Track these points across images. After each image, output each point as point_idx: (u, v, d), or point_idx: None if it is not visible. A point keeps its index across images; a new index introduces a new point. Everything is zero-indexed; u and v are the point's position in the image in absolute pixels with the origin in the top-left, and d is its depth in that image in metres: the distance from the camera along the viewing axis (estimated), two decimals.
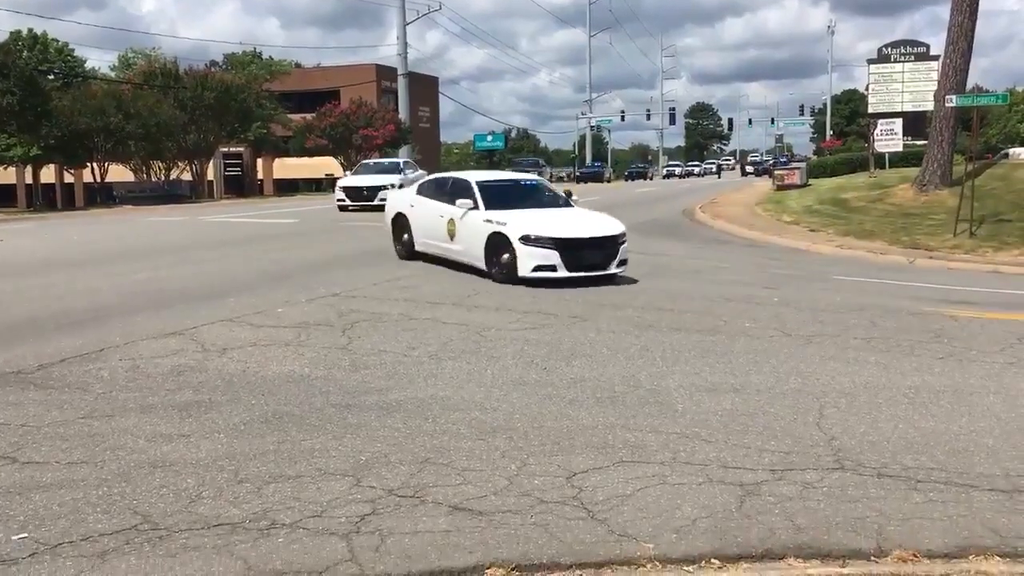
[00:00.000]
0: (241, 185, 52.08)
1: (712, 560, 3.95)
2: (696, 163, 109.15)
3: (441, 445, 5.33)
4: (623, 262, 11.95)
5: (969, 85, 27.69)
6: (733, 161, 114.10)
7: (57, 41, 58.43)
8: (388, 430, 5.60)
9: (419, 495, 4.57)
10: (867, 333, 8.70)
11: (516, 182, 14.22)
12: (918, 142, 36.47)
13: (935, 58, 32.29)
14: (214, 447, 5.26)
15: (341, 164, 55.70)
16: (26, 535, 4.07)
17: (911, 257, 15.71)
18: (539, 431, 5.60)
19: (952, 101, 20.01)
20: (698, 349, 7.94)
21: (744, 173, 79.27)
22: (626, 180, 75.76)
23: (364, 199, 26.23)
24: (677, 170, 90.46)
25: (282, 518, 4.28)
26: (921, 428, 5.74)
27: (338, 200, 27.27)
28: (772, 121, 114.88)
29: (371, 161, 33.74)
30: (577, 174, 72.27)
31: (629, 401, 6.30)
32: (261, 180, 61.82)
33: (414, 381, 6.78)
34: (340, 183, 28.43)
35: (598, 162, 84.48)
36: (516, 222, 11.64)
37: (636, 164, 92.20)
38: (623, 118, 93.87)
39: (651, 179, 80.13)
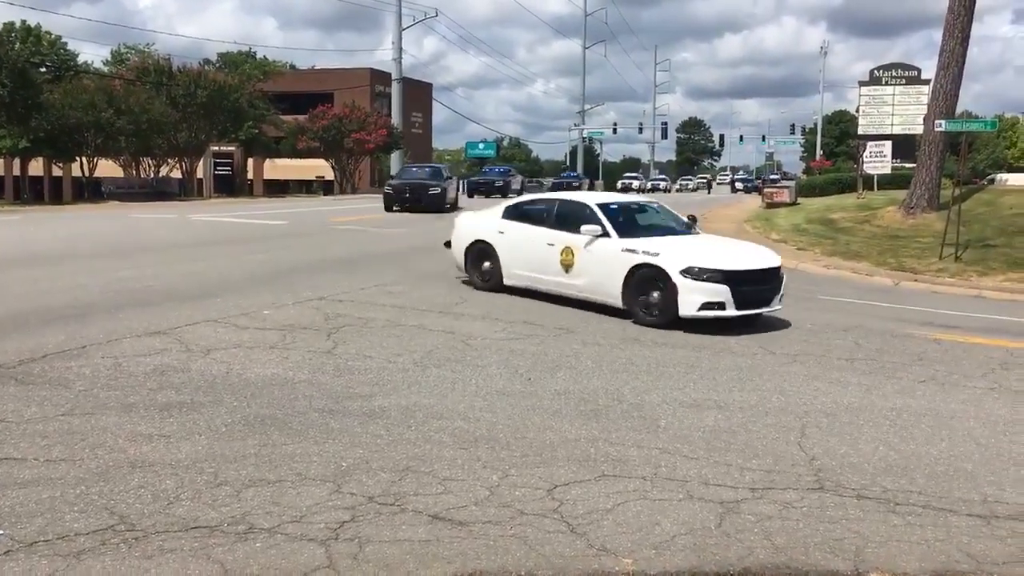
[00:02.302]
0: (231, 185, 51.86)
1: None
2: (662, 176, 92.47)
3: (423, 453, 5.32)
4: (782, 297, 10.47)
5: (959, 110, 27.99)
6: (709, 178, 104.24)
7: (50, 34, 58.14)
8: (370, 437, 5.59)
9: (399, 503, 4.56)
10: (850, 354, 8.75)
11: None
12: (907, 165, 36.80)
13: (926, 82, 32.69)
14: (194, 449, 5.24)
15: (332, 167, 55.64)
16: (2, 532, 4.04)
17: (896, 279, 15.80)
18: (521, 442, 5.60)
19: (941, 125, 20.19)
20: (683, 365, 7.96)
21: (734, 190, 79.19)
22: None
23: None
24: (635, 183, 72.05)
25: (261, 523, 4.26)
26: (901, 451, 5.78)
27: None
28: (763, 139, 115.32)
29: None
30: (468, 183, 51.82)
31: (612, 415, 6.30)
32: (251, 180, 61.66)
33: (398, 388, 6.76)
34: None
35: (503, 167, 61.38)
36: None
37: (567, 174, 70.18)
38: (615, 130, 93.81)
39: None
